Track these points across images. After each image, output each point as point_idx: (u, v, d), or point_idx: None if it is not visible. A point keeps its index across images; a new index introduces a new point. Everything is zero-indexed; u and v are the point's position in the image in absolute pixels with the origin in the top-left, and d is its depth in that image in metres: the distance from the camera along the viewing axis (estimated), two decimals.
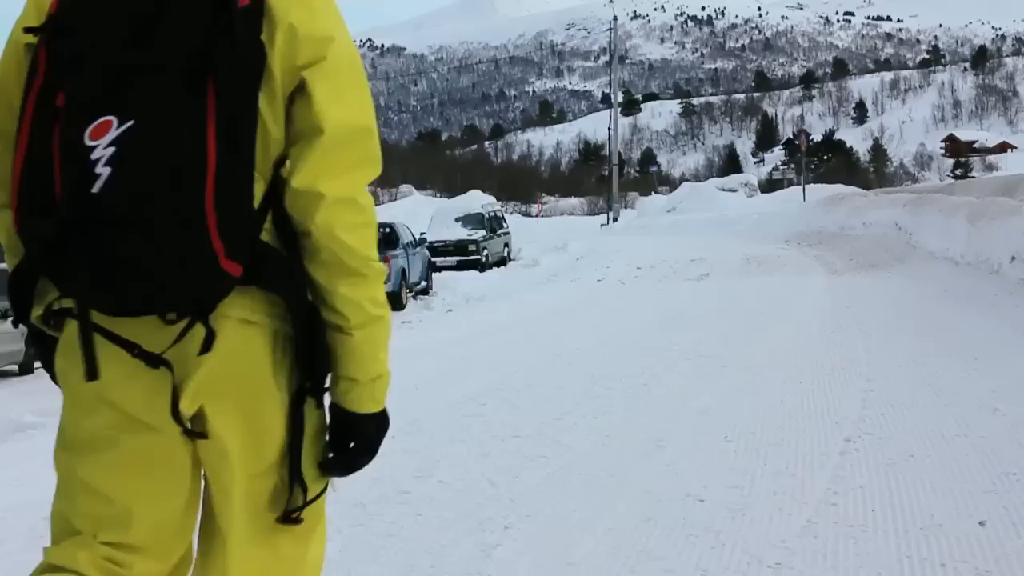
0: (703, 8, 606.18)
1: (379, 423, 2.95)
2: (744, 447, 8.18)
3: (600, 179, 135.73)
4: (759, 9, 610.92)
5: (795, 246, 38.12)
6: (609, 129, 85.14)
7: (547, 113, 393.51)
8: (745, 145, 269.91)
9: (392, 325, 2.94)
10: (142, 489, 2.80)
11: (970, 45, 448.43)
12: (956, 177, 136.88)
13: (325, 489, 2.95)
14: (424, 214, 48.15)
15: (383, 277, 2.87)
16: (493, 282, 31.60)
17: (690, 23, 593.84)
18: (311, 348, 2.80)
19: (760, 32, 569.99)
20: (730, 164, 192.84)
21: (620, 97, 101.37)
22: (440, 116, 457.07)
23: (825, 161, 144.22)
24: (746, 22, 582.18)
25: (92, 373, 2.73)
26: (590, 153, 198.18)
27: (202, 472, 2.87)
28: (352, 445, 2.93)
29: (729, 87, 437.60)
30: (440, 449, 8.44)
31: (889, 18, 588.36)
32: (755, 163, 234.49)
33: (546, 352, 13.81)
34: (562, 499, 6.93)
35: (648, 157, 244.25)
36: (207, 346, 2.66)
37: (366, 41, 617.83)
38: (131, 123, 2.57)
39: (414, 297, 31.23)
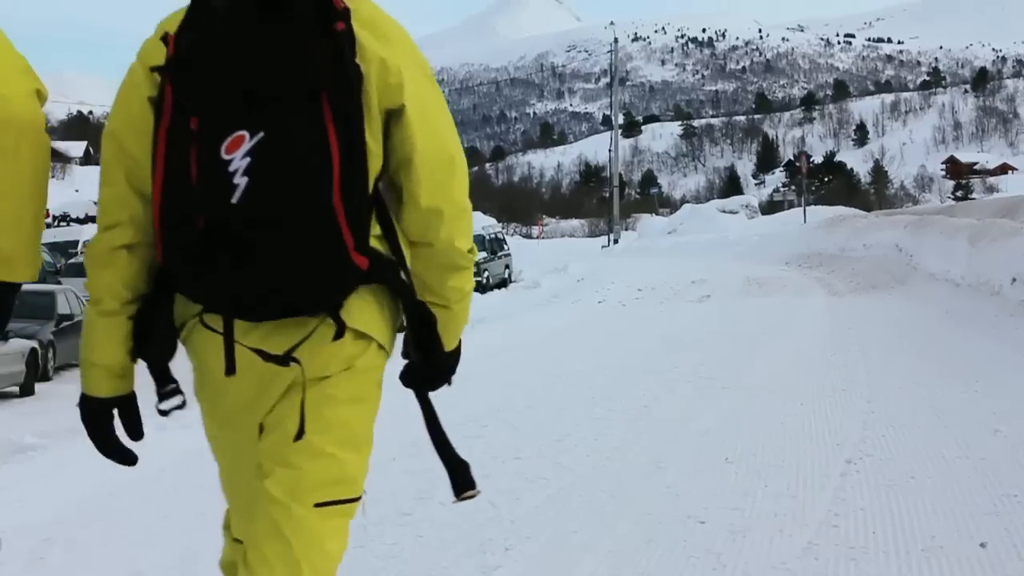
0: (704, 30, 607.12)
1: (459, 350, 3.56)
2: (745, 469, 8.18)
3: (601, 201, 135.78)
4: (760, 31, 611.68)
5: (796, 268, 38.17)
6: (610, 151, 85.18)
7: (548, 135, 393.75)
8: (746, 167, 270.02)
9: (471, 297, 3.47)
10: (230, 467, 3.37)
11: (971, 67, 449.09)
12: (957, 199, 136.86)
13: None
14: None
15: (473, 260, 3.31)
16: (494, 304, 31.60)
17: (691, 45, 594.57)
18: (419, 340, 3.33)
19: (761, 54, 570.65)
20: (731, 186, 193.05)
21: (621, 119, 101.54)
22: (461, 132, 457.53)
23: (826, 183, 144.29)
24: (747, 44, 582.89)
25: (231, 370, 3.07)
26: (591, 175, 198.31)
27: None
28: (437, 368, 3.53)
29: (730, 109, 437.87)
30: (441, 471, 8.39)
31: (890, 40, 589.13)
32: (756, 185, 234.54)
33: (547, 374, 13.81)
34: (563, 521, 6.93)
35: (649, 179, 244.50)
36: (340, 333, 3.03)
37: None
38: (261, 135, 2.91)
39: None
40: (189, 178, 2.95)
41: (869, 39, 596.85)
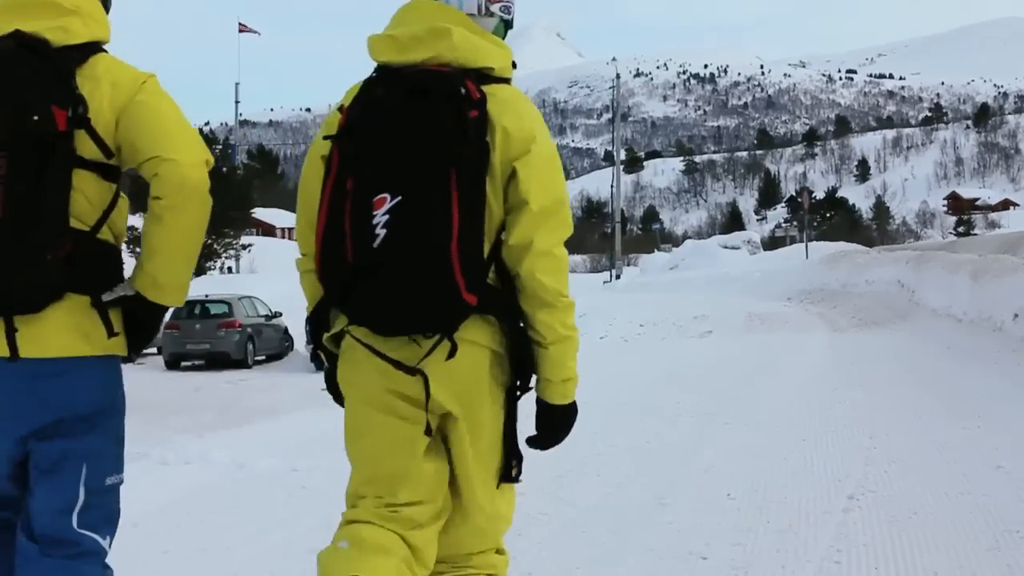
0: (705, 66, 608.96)
1: (568, 411, 4.19)
2: (747, 504, 8.17)
3: (603, 236, 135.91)
4: (761, 67, 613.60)
5: (798, 303, 38.16)
6: (612, 186, 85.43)
7: None
8: (748, 202, 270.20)
9: (576, 345, 4.10)
10: (401, 461, 4.02)
11: (972, 103, 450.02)
12: (959, 234, 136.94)
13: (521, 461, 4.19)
14: None
15: (572, 308, 4.05)
16: None
17: (692, 81, 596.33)
18: (520, 358, 4.03)
19: (762, 90, 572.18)
20: (733, 221, 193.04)
21: (623, 155, 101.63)
22: None
23: (828, 219, 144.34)
24: (748, 80, 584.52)
25: (358, 368, 4.05)
26: (593, 210, 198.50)
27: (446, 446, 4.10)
28: (550, 427, 4.20)
29: (732, 145, 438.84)
30: None
31: (891, 76, 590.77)
32: (758, 220, 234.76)
33: None
34: (565, 557, 6.92)
35: (651, 214, 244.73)
36: (452, 353, 3.87)
37: None
38: (400, 198, 3.80)
39: None
40: (343, 224, 3.88)
41: (871, 75, 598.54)
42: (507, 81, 4.12)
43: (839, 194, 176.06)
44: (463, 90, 3.88)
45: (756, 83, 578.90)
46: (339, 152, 3.96)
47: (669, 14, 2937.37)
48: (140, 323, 4.16)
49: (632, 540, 7.29)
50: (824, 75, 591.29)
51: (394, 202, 3.81)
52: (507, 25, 4.37)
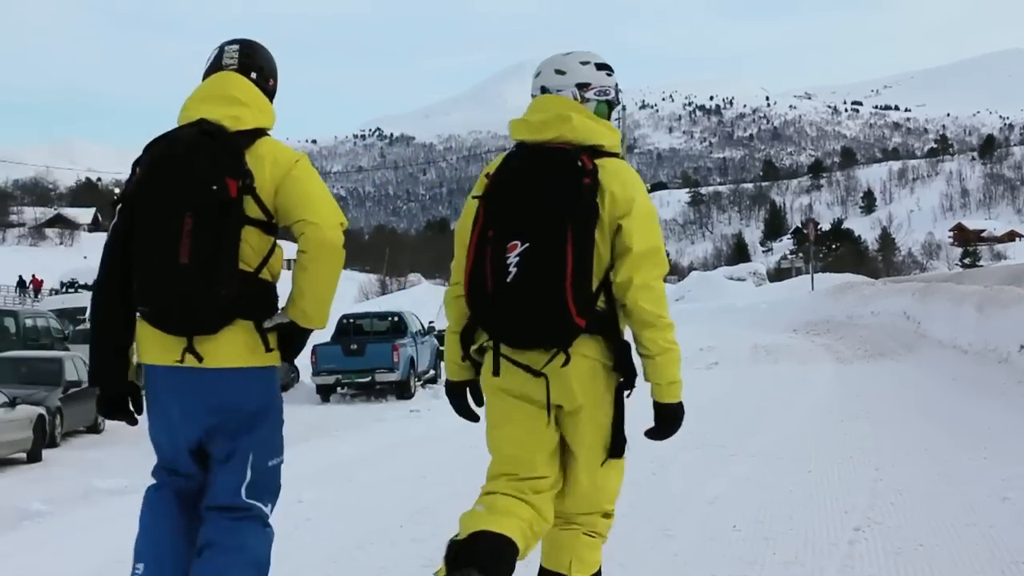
0: (711, 98, 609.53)
1: (676, 408, 5.36)
2: (753, 536, 8.17)
3: None
4: (767, 99, 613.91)
5: (803, 335, 38.18)
6: None
7: None
8: (753, 234, 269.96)
9: (677, 356, 5.29)
10: (528, 443, 5.34)
11: (978, 134, 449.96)
12: (964, 266, 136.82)
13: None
14: (432, 303, 48.24)
15: (672, 328, 5.26)
16: None
17: (698, 112, 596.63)
18: (624, 367, 5.26)
19: (768, 121, 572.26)
20: (738, 253, 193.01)
21: None
22: (449, 205, 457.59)
23: (833, 250, 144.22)
24: (754, 111, 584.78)
25: (496, 372, 5.35)
26: None
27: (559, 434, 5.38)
28: (662, 422, 5.38)
29: (737, 176, 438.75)
30: (447, 538, 8.42)
31: (897, 107, 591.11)
32: (763, 252, 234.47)
33: None
34: None
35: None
36: (566, 362, 5.17)
37: (375, 131, 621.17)
38: (528, 244, 5.11)
39: (422, 386, 31.29)
40: (485, 264, 5.21)
41: (876, 107, 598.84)
42: (616, 155, 5.36)
43: (845, 225, 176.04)
44: (579, 163, 5.18)
45: (762, 115, 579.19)
46: (484, 208, 5.32)
47: (674, 45, 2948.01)
48: (293, 341, 5.42)
49: (637, 572, 7.29)
50: (830, 107, 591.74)
51: (524, 247, 5.13)
52: (610, 105, 5.61)
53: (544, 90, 5.56)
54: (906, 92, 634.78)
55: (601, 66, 5.56)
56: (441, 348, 34.46)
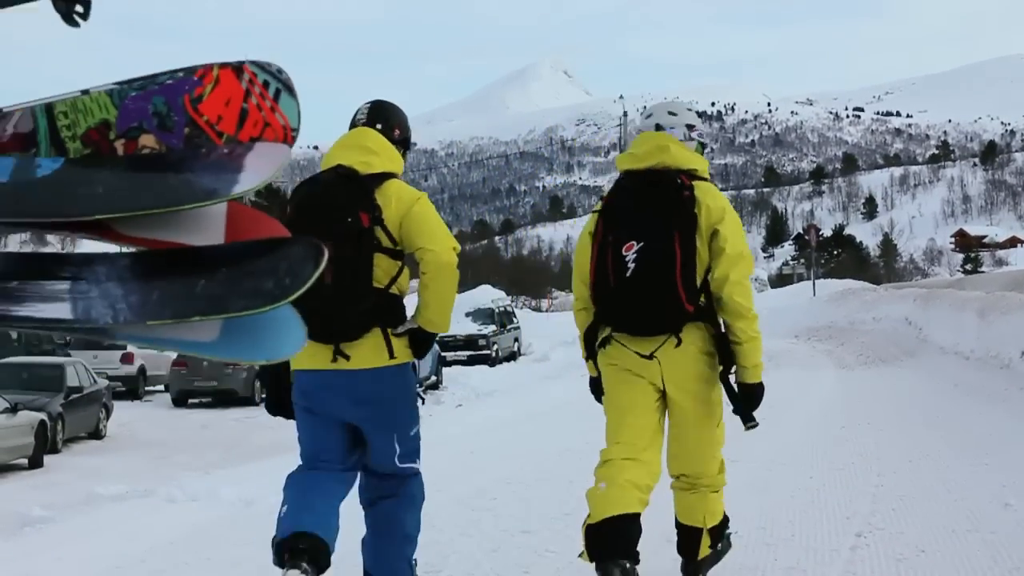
0: (713, 104, 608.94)
1: (759, 387, 6.64)
2: (755, 542, 8.17)
3: None
4: (768, 105, 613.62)
5: (805, 341, 38.16)
6: None
7: (557, 208, 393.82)
8: (755, 240, 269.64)
9: (760, 343, 6.56)
10: (639, 417, 6.50)
11: (979, 140, 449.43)
12: (966, 272, 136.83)
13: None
14: None
15: (757, 319, 6.50)
16: (503, 376, 31.63)
17: (700, 119, 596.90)
18: (723, 352, 6.44)
19: (770, 127, 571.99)
20: None
21: None
22: (450, 211, 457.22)
23: (835, 256, 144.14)
24: (756, 118, 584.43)
25: (613, 357, 6.57)
26: None
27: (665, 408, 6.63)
28: (747, 399, 6.64)
29: (739, 182, 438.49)
30: (450, 544, 8.43)
31: (898, 113, 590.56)
32: (765, 258, 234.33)
33: (556, 446, 13.79)
34: None
35: None
36: (678, 344, 6.34)
37: None
38: (642, 244, 6.30)
39: (424, 392, 31.21)
40: (607, 264, 6.44)
41: (878, 113, 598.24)
42: (706, 180, 6.60)
43: (846, 231, 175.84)
44: (679, 180, 6.44)
45: (763, 120, 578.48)
46: (604, 220, 6.57)
47: (676, 52, 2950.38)
48: (421, 343, 6.53)
49: None
50: (831, 113, 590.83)
51: (639, 246, 6.36)
52: (703, 145, 7.03)
53: (658, 127, 6.89)
54: (907, 98, 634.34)
55: (699, 115, 7.19)
56: (443, 355, 34.60)
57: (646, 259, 6.30)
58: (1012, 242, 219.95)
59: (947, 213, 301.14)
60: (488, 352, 40.28)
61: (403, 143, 6.79)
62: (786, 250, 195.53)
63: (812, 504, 9.55)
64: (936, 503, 9.41)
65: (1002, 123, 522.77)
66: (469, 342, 41.15)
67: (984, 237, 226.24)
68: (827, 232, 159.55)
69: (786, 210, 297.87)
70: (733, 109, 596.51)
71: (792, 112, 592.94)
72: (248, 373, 33.22)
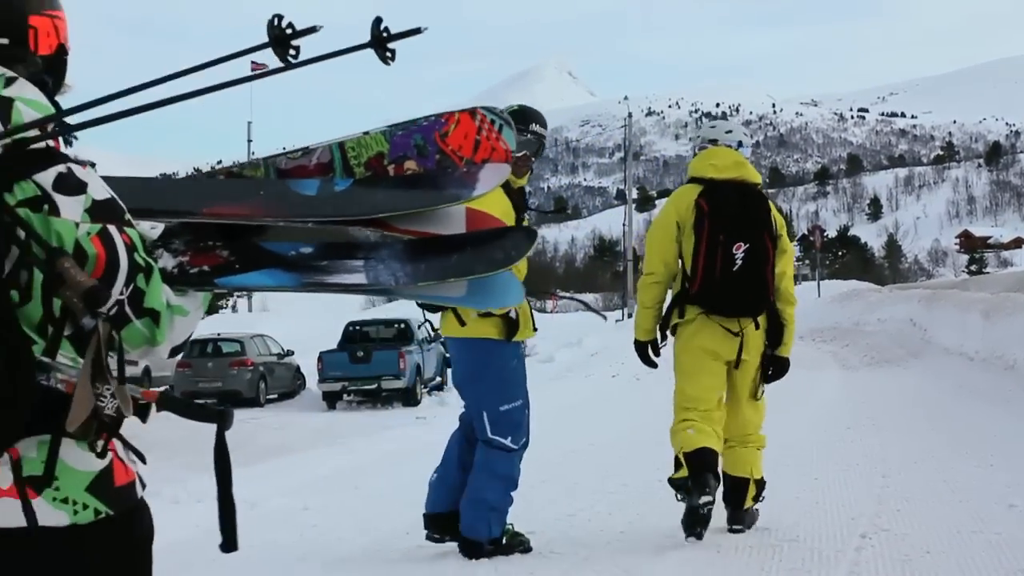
0: (717, 105, 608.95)
1: (789, 361, 8.63)
2: (759, 543, 8.17)
3: (615, 275, 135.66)
4: (773, 106, 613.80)
5: (809, 342, 38.08)
6: (624, 225, 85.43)
7: (562, 209, 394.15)
8: None
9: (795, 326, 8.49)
10: (710, 387, 8.40)
11: (984, 141, 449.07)
12: (971, 273, 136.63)
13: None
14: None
15: (795, 305, 8.73)
16: None
17: (704, 120, 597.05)
18: (773, 333, 8.50)
19: (775, 129, 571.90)
20: None
21: (635, 193, 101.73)
22: None
23: (840, 257, 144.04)
24: (760, 119, 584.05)
25: (697, 335, 8.40)
26: (604, 249, 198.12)
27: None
28: (781, 370, 8.68)
29: None
30: (453, 545, 8.42)
31: (903, 115, 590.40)
32: None
33: (560, 448, 13.77)
34: None
35: None
36: (757, 327, 8.37)
37: None
38: (748, 245, 8.17)
39: (428, 393, 31.29)
40: (717, 258, 8.09)
41: (882, 113, 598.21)
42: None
43: (851, 232, 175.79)
44: (762, 193, 8.57)
45: (768, 122, 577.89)
46: (710, 221, 8.16)
47: (680, 53, 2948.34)
48: (511, 322, 7.91)
49: None
50: (836, 114, 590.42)
51: (746, 247, 8.18)
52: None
53: (714, 142, 8.69)
54: (912, 99, 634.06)
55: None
56: (447, 355, 34.60)
57: (751, 258, 8.16)
58: (1017, 243, 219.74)
59: (952, 214, 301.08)
60: None
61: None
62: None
63: (817, 505, 9.55)
64: (941, 504, 9.40)
65: (1007, 124, 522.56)
66: None
67: (989, 238, 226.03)
68: (832, 233, 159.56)
69: (791, 211, 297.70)
70: (738, 110, 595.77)
71: (797, 113, 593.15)
72: (252, 374, 33.26)
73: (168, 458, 20.65)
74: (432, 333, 33.94)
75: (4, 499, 2.86)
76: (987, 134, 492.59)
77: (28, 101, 3.08)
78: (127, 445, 3.12)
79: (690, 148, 9.40)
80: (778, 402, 10.61)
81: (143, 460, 3.18)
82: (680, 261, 8.44)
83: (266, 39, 3.26)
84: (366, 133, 4.38)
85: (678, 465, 8.28)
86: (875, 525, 8.65)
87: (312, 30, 3.32)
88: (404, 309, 48.30)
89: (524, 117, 7.96)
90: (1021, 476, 10.41)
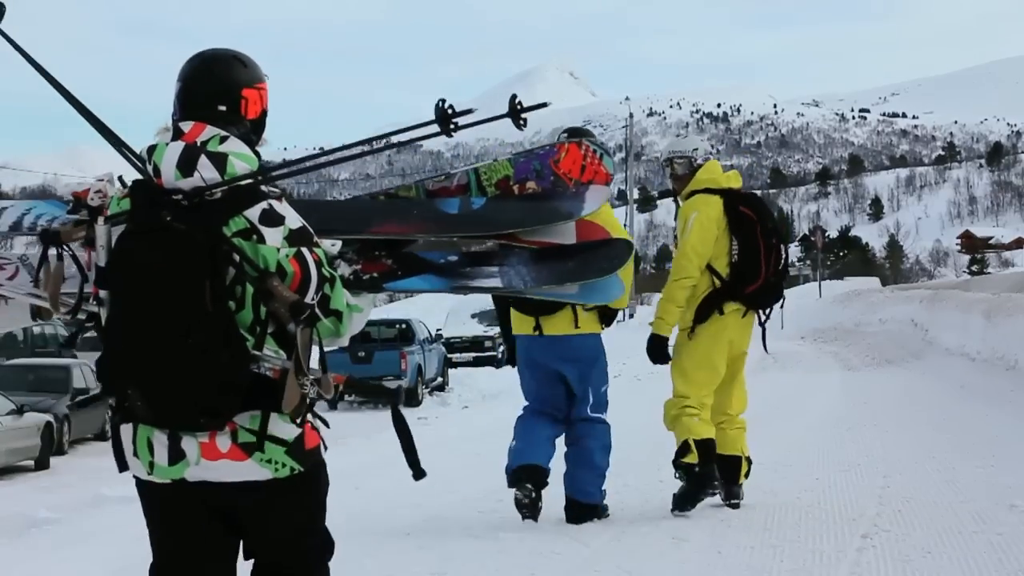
0: (719, 105, 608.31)
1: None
2: (761, 544, 8.17)
3: None
4: (775, 106, 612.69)
5: (811, 342, 38.13)
6: (625, 225, 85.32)
7: None
8: None
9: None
10: (721, 374, 9.47)
11: (985, 142, 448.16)
12: (972, 273, 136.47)
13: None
14: (440, 310, 48.17)
15: None
16: (509, 378, 31.51)
17: (706, 120, 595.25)
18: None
19: (776, 129, 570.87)
20: None
21: (636, 193, 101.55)
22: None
23: (841, 257, 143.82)
24: (762, 119, 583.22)
25: (737, 331, 9.58)
26: None
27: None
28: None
29: (745, 183, 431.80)
30: (454, 545, 8.43)
31: (904, 115, 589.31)
32: None
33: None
34: None
35: (664, 254, 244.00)
36: (759, 319, 9.74)
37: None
38: (781, 245, 9.51)
39: (430, 393, 31.26)
40: (772, 260, 9.33)
41: (884, 114, 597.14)
42: None
43: (852, 233, 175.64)
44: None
45: (769, 122, 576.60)
46: (761, 227, 9.30)
47: (682, 53, 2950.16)
48: (608, 315, 9.31)
49: None
50: (837, 114, 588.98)
51: (784, 247, 9.48)
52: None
53: (683, 155, 9.80)
54: (913, 99, 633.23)
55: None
56: (448, 356, 34.65)
57: (783, 256, 9.46)
58: (1018, 243, 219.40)
59: (953, 214, 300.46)
60: (494, 354, 40.21)
61: None
62: (792, 251, 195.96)
63: (818, 505, 9.56)
64: (942, 504, 9.41)
65: (1008, 124, 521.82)
66: (475, 343, 41.14)
67: (990, 238, 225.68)
68: (833, 233, 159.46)
69: (792, 211, 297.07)
70: (739, 110, 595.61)
71: (798, 113, 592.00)
72: None
73: None
74: (433, 334, 33.99)
75: (223, 460, 4.03)
76: (988, 134, 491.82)
77: (238, 155, 4.10)
78: (315, 415, 4.27)
79: (684, 166, 9.96)
80: (779, 402, 10.63)
81: (327, 426, 4.35)
82: (708, 264, 9.38)
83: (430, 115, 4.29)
84: (496, 160, 5.52)
85: (686, 449, 9.21)
86: (876, 526, 8.65)
87: (468, 112, 4.35)
88: (406, 309, 48.26)
89: (579, 135, 8.81)
90: (1022, 477, 10.41)
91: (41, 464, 21.12)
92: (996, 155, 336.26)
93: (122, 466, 4.24)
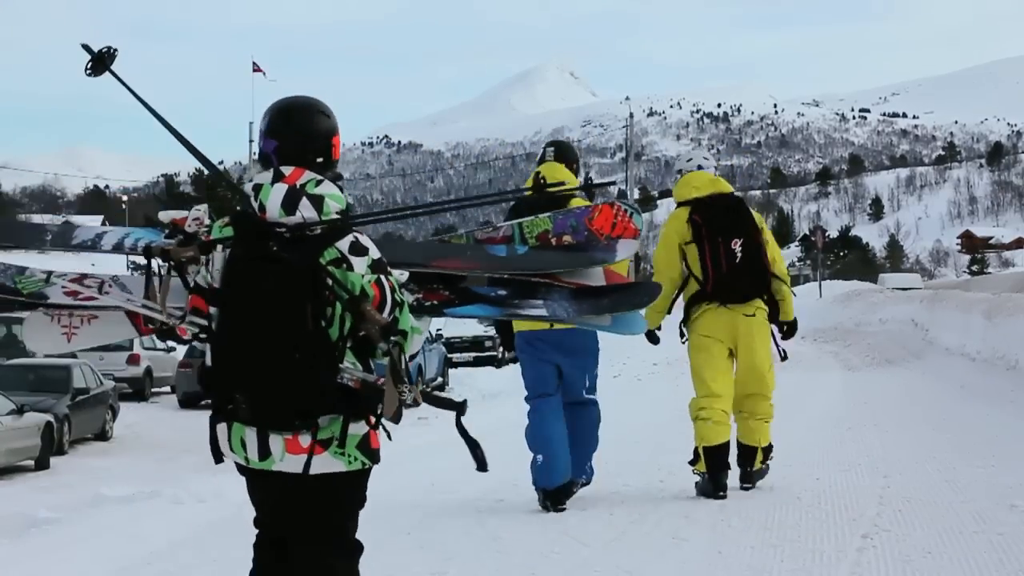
0: (719, 105, 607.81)
1: (796, 321, 10.68)
2: (761, 543, 8.17)
3: None
4: (775, 106, 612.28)
5: (811, 342, 38.07)
6: None
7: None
8: None
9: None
10: (720, 367, 10.25)
11: (986, 141, 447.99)
12: (972, 273, 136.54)
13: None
14: None
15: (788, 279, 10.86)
16: (509, 378, 31.52)
17: (706, 120, 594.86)
18: (774, 311, 10.35)
19: (776, 129, 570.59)
20: None
21: (636, 194, 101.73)
22: (457, 212, 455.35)
23: (841, 257, 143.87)
24: (762, 119, 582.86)
25: (715, 326, 10.21)
26: None
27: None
28: (790, 332, 10.62)
29: (745, 183, 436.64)
30: (455, 545, 8.43)
31: (905, 115, 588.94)
32: None
33: None
34: None
35: None
36: (754, 315, 10.17)
37: (383, 138, 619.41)
38: (742, 240, 10.08)
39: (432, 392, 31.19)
40: (720, 255, 9.99)
41: (884, 114, 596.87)
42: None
43: (852, 233, 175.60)
44: (738, 199, 10.58)
45: (769, 122, 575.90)
46: (707, 229, 9.99)
47: (682, 53, 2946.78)
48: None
49: None
50: (837, 114, 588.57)
51: (741, 241, 9.99)
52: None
53: (700, 167, 10.54)
54: (914, 99, 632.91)
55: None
56: (449, 356, 34.70)
57: (747, 249, 10.02)
58: (1018, 243, 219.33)
59: (953, 214, 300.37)
60: (494, 353, 40.20)
61: (576, 172, 10.15)
62: (792, 251, 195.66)
63: (818, 505, 9.55)
64: (942, 504, 9.40)
65: (1008, 124, 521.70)
66: (475, 343, 41.14)
67: (990, 238, 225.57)
68: (833, 233, 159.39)
69: (792, 211, 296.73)
70: (739, 110, 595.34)
71: (798, 113, 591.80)
72: None
73: (170, 459, 20.68)
74: (433, 334, 33.98)
75: (304, 454, 4.74)
76: (989, 134, 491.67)
77: (332, 196, 4.83)
78: (380, 423, 4.90)
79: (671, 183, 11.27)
80: (779, 402, 10.62)
81: (390, 438, 5.02)
82: (688, 270, 10.30)
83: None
84: (536, 216, 6.43)
85: (696, 457, 10.11)
86: (876, 526, 8.65)
87: (560, 184, 6.26)
88: None
89: (561, 148, 10.58)
90: (1022, 477, 10.41)
91: (41, 464, 21.12)
92: (996, 155, 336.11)
93: (218, 459, 4.95)
